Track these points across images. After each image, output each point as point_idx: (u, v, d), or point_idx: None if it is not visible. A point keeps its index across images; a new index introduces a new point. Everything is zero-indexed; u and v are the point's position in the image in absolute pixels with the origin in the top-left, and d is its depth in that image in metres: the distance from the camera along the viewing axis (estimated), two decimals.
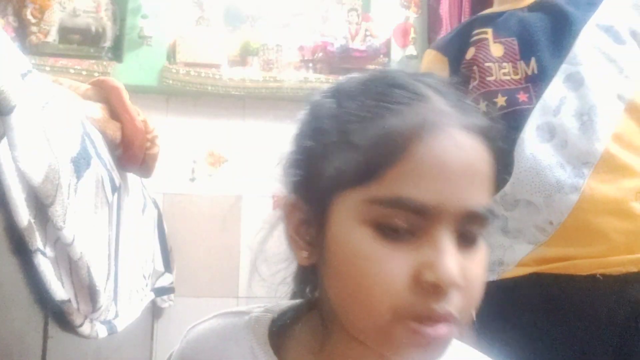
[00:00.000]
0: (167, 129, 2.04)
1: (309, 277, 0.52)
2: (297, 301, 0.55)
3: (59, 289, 0.71)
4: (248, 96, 2.10)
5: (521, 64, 0.91)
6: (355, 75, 0.49)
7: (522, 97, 0.89)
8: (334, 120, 0.46)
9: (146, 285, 1.59)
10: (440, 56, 1.01)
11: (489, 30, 0.96)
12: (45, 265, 0.66)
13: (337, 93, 0.48)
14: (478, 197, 0.42)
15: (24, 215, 0.61)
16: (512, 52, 0.92)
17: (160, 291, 1.84)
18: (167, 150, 2.02)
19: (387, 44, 2.18)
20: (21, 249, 0.63)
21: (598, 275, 0.79)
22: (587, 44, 0.89)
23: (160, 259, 1.83)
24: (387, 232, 0.41)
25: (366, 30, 2.16)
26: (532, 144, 0.86)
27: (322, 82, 2.09)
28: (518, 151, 0.86)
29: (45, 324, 0.73)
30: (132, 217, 1.24)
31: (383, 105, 0.43)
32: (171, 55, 2.08)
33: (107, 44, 2.03)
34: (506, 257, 0.87)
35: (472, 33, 0.97)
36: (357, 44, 2.13)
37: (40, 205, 0.64)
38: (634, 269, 0.79)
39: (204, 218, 2.07)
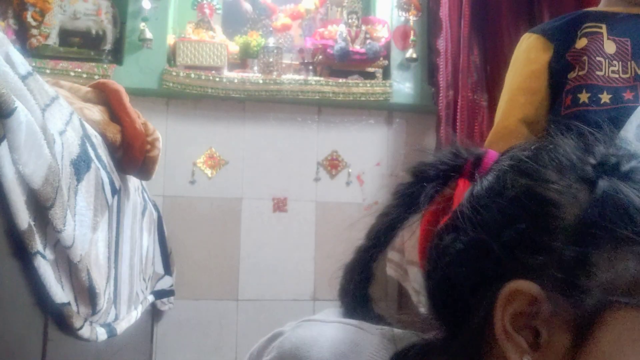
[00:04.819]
0: (167, 132, 2.04)
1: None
2: (423, 337, 0.49)
3: (59, 292, 0.71)
4: (248, 99, 2.10)
5: (632, 64, 0.96)
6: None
7: (627, 95, 0.94)
8: (622, 214, 0.37)
9: (146, 288, 1.59)
10: (546, 41, 1.04)
11: (604, 26, 0.99)
12: (45, 267, 0.66)
13: (613, 174, 0.40)
14: None
15: (24, 217, 0.61)
16: (624, 51, 0.97)
17: (160, 294, 1.84)
18: (167, 152, 2.03)
19: (387, 47, 2.19)
20: (21, 252, 0.63)
21: None
22: None
23: (160, 261, 1.83)
24: None
25: (366, 32, 2.16)
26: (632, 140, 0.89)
27: (322, 84, 2.10)
28: None
29: (45, 327, 0.73)
30: (132, 220, 1.24)
31: None
32: (171, 58, 2.08)
33: (108, 46, 2.04)
34: None
35: (584, 25, 1.00)
36: (357, 47, 2.13)
37: (40, 208, 0.64)
38: None
39: (204, 220, 2.07)
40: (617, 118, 0.90)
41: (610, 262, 0.37)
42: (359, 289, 0.53)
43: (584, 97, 0.94)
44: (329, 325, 0.51)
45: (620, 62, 0.96)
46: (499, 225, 0.40)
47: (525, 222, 0.39)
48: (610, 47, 0.97)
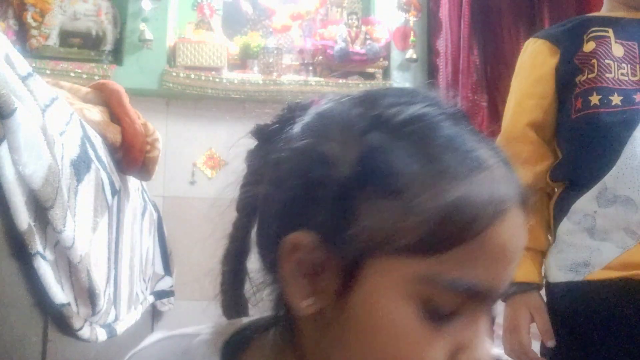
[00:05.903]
0: (167, 132, 2.04)
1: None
2: (251, 319, 0.51)
3: (59, 293, 0.71)
4: (248, 99, 2.10)
5: None
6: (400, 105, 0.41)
7: (638, 97, 0.94)
8: (385, 167, 0.39)
9: (146, 289, 1.59)
10: (552, 46, 1.04)
11: (610, 30, 1.00)
12: (45, 268, 0.66)
13: (386, 127, 0.40)
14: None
15: (24, 218, 0.61)
16: (632, 54, 0.98)
17: (160, 294, 1.84)
18: (167, 153, 2.03)
19: (387, 47, 2.19)
20: (21, 252, 0.63)
21: None
22: None
23: (160, 262, 1.83)
24: (431, 312, 0.39)
25: (366, 33, 2.16)
26: None
27: (322, 85, 2.10)
28: (629, 148, 0.90)
29: (45, 328, 0.73)
30: (132, 220, 1.24)
31: (446, 168, 0.38)
32: (171, 58, 2.08)
33: (108, 47, 2.04)
34: (592, 259, 0.90)
35: (590, 29, 1.01)
36: (357, 47, 2.13)
37: (41, 209, 0.64)
38: None
39: (204, 221, 2.06)
40: (629, 120, 0.91)
41: (372, 213, 0.39)
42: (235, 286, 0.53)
43: (594, 99, 0.94)
44: (154, 347, 0.51)
45: (629, 65, 0.96)
46: (283, 179, 0.43)
47: (301, 177, 0.41)
48: (618, 50, 0.98)
